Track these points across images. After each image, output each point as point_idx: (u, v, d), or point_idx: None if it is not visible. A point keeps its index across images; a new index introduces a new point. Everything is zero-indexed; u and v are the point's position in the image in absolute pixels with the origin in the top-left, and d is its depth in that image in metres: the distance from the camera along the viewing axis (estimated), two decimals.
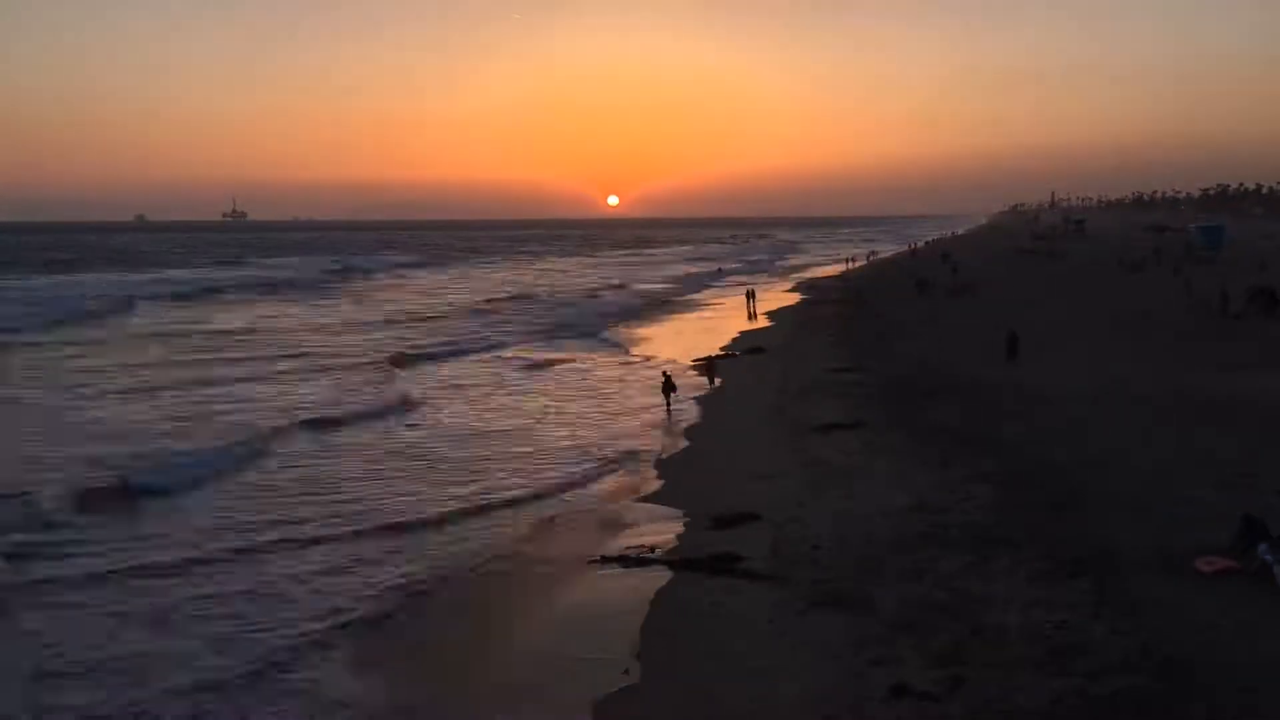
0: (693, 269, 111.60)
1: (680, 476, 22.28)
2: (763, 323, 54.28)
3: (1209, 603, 13.18)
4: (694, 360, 39.06)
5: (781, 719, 11.13)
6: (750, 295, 63.24)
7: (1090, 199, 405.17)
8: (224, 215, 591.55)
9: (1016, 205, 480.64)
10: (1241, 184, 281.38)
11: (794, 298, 70.16)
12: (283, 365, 39.91)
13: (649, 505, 20.24)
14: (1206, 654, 11.73)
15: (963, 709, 10.89)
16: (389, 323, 57.73)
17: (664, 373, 31.39)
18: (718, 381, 33.58)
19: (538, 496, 21.06)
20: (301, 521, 19.16)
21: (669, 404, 29.86)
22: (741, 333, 49.32)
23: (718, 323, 55.75)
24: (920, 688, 11.33)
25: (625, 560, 16.74)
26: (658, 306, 67.61)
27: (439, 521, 19.25)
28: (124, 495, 20.85)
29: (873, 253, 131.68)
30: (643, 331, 52.84)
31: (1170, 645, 11.99)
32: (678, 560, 16.41)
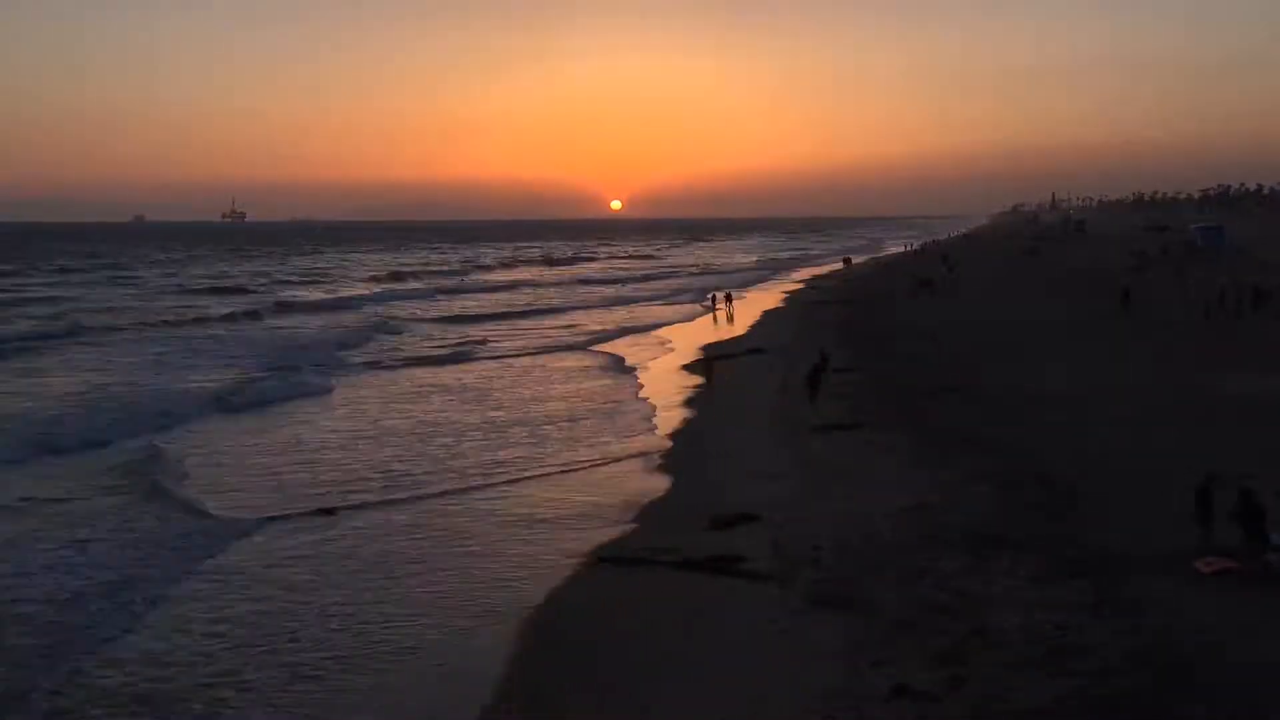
0: None
1: (680, 476, 22.28)
2: (740, 329, 51.77)
3: (1209, 603, 13.18)
4: (692, 360, 39.15)
5: (781, 719, 11.13)
6: (724, 300, 62.03)
7: (1090, 199, 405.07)
8: (223, 215, 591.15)
9: (1017, 206, 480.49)
10: (1242, 184, 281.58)
11: (789, 299, 70.18)
12: None
13: (648, 504, 20.25)
14: (1206, 654, 11.73)
15: (963, 709, 10.89)
16: None
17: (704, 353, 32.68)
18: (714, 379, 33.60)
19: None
20: None
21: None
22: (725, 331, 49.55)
23: None
24: (920, 688, 11.33)
25: (625, 560, 16.74)
26: None
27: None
28: None
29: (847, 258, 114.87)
30: None
31: (1170, 645, 12.00)
32: (678, 560, 16.40)
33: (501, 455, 24.71)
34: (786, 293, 75.78)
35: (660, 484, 21.83)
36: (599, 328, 54.89)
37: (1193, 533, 15.06)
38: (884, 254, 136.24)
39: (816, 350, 33.14)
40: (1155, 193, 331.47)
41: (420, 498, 21.04)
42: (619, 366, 39.79)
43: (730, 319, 56.84)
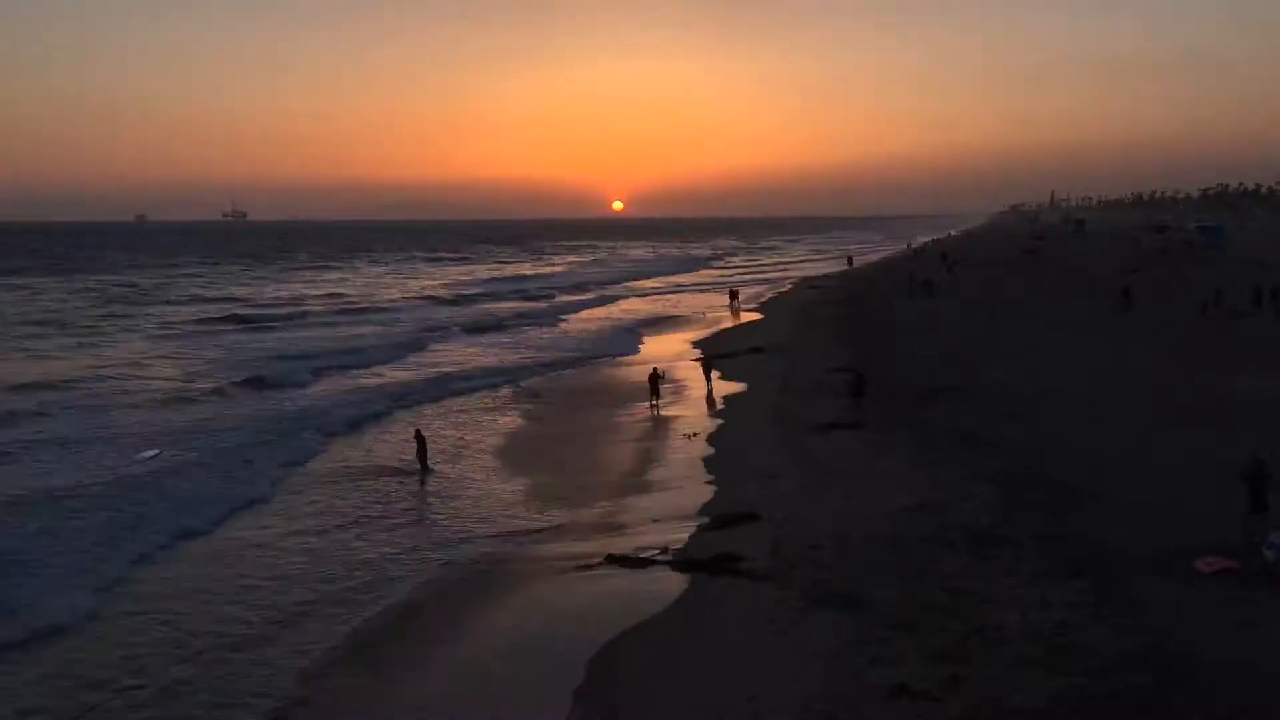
0: None
1: (680, 476, 22.30)
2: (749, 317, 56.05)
3: (1209, 602, 13.19)
4: (691, 359, 39.15)
5: (781, 719, 11.14)
6: (734, 295, 63.95)
7: (1090, 199, 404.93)
8: (224, 215, 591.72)
9: (1017, 205, 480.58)
10: (1241, 184, 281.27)
11: (792, 297, 70.13)
12: None
13: (649, 504, 20.27)
14: (1206, 654, 11.74)
15: (962, 708, 10.90)
16: None
17: (654, 369, 32.01)
18: (715, 377, 33.44)
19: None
20: None
21: (656, 401, 30.51)
22: (725, 330, 49.67)
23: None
24: (920, 687, 11.34)
25: (627, 560, 16.75)
26: None
27: None
28: None
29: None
30: None
31: (1170, 645, 12.00)
32: (679, 560, 16.42)
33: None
34: (784, 292, 75.82)
35: (660, 483, 21.85)
36: None
37: (1244, 521, 14.98)
38: (885, 254, 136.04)
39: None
40: (1155, 191, 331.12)
41: None
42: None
43: (738, 314, 58.65)
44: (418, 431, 24.63)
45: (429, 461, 23.60)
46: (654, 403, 30.53)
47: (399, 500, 21.20)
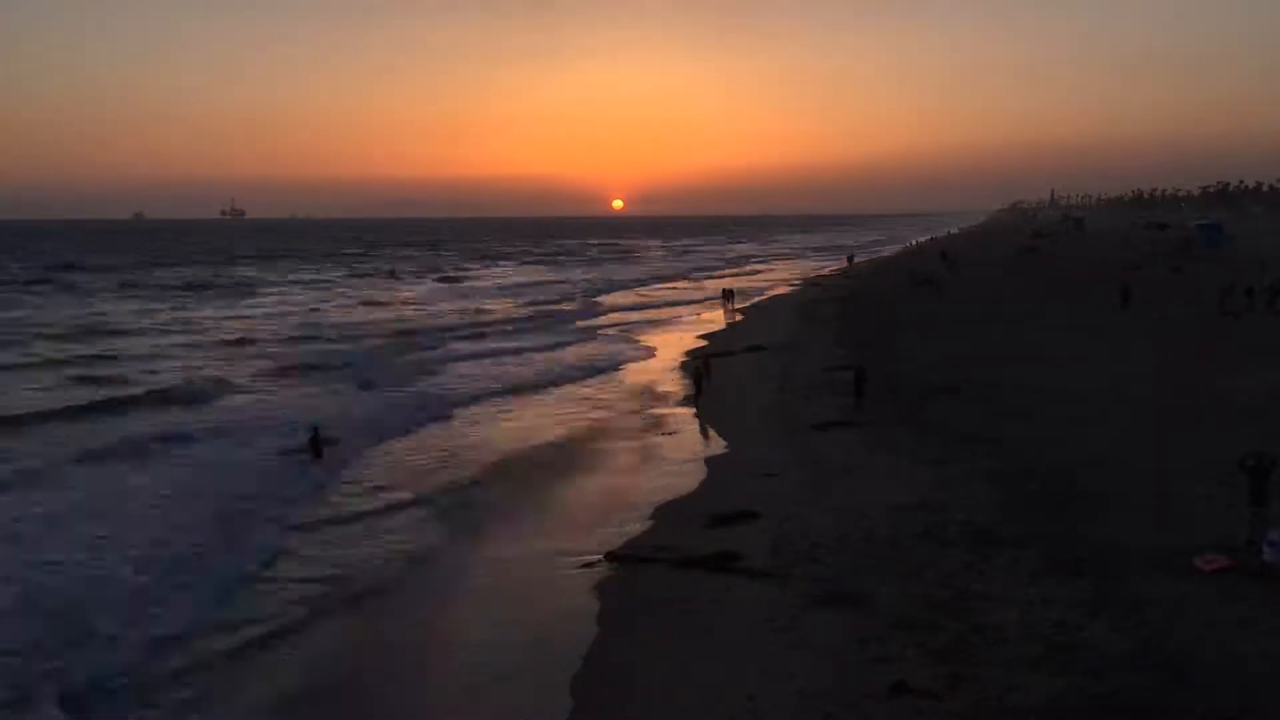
0: None
1: (679, 474, 22.29)
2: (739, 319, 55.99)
3: (1208, 600, 13.19)
4: (688, 358, 39.12)
5: (781, 718, 11.13)
6: (728, 295, 63.38)
7: (1090, 196, 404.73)
8: (222, 213, 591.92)
9: (1016, 203, 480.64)
10: (1242, 181, 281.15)
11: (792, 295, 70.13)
12: None
13: (648, 502, 20.26)
14: (1206, 652, 11.74)
15: (962, 707, 10.90)
16: None
17: (698, 362, 34.09)
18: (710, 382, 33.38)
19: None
20: None
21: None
22: (724, 329, 49.68)
23: None
24: (920, 686, 11.33)
25: (625, 558, 16.75)
26: None
27: None
28: None
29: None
30: None
31: (1170, 643, 12.01)
32: (678, 558, 16.41)
33: None
34: (785, 290, 75.82)
35: (660, 482, 21.85)
36: None
37: (1248, 518, 14.94)
38: (884, 252, 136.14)
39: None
40: (1155, 190, 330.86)
41: None
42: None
43: (733, 314, 58.26)
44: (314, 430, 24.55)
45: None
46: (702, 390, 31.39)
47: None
